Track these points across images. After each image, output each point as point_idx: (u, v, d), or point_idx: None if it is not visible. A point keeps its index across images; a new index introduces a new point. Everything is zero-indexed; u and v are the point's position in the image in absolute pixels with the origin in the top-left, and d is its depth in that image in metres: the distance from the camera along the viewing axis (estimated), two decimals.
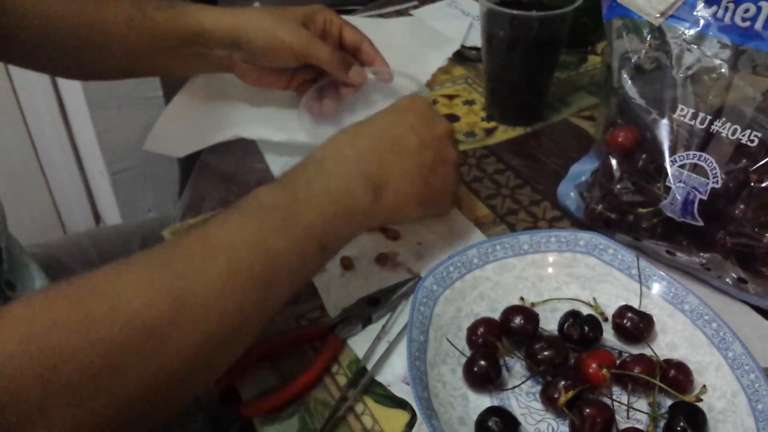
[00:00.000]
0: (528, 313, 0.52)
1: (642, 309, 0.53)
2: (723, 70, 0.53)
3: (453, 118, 0.80)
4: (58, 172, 1.59)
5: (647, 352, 0.51)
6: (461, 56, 0.89)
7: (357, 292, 0.58)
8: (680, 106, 0.55)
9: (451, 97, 0.83)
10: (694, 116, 0.54)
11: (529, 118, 0.78)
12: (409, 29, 0.95)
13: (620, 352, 0.52)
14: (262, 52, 0.68)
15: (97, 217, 1.73)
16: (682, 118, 0.55)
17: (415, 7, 1.01)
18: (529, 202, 0.68)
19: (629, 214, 0.59)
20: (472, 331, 0.52)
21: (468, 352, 0.51)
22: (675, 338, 0.52)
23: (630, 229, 0.59)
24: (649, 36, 0.57)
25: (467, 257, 0.56)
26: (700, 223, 0.54)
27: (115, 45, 0.65)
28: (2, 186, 1.52)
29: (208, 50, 0.68)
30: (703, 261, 0.56)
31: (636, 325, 0.52)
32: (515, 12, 0.69)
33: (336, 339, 0.53)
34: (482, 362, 0.49)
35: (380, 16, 1.01)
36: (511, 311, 0.52)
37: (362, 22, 0.97)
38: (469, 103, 0.82)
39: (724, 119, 0.53)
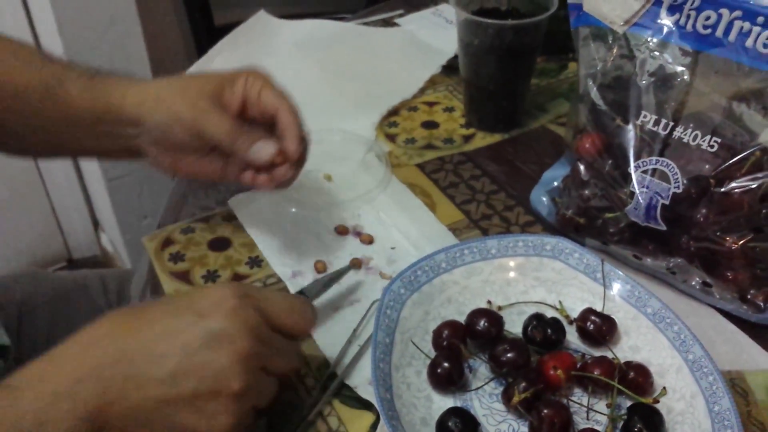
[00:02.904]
0: (492, 316, 0.53)
1: (606, 312, 0.54)
2: (685, 77, 0.54)
3: (433, 124, 0.81)
4: (57, 179, 1.61)
5: (609, 354, 0.52)
6: (444, 64, 0.91)
7: (329, 295, 0.59)
8: (643, 113, 0.56)
9: (431, 104, 0.85)
10: (657, 122, 0.55)
11: (506, 125, 0.79)
12: (399, 41, 0.96)
13: (583, 355, 0.53)
14: (158, 128, 0.56)
15: (96, 224, 1.75)
16: (645, 124, 0.55)
17: (401, 15, 1.02)
18: (503, 208, 0.69)
19: (597, 219, 0.60)
20: (437, 333, 0.53)
21: (434, 355, 0.52)
22: (638, 341, 0.53)
23: (598, 233, 0.60)
24: (614, 44, 0.58)
25: (435, 261, 0.57)
26: (664, 228, 0.55)
27: (34, 116, 0.58)
28: (2, 192, 1.54)
29: (119, 129, 0.57)
30: (669, 265, 0.56)
31: (599, 327, 0.53)
32: (489, 21, 0.70)
33: None
34: (445, 364, 0.50)
35: (366, 24, 1.02)
36: (476, 314, 0.53)
37: (352, 31, 0.99)
38: (449, 110, 0.83)
39: (685, 125, 0.54)
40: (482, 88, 0.77)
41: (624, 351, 0.53)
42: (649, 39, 0.56)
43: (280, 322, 0.46)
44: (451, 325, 0.53)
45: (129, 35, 1.35)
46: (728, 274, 0.54)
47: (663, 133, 0.55)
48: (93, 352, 0.41)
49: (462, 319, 0.54)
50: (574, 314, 0.55)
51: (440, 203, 0.69)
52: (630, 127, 0.57)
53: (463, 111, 0.82)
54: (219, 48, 0.94)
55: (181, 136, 0.56)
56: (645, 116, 0.56)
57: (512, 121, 0.80)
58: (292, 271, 0.62)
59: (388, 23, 1.02)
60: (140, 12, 1.35)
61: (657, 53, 0.55)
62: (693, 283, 0.56)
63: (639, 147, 0.56)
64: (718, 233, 0.53)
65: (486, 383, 0.51)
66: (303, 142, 0.57)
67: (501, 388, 0.50)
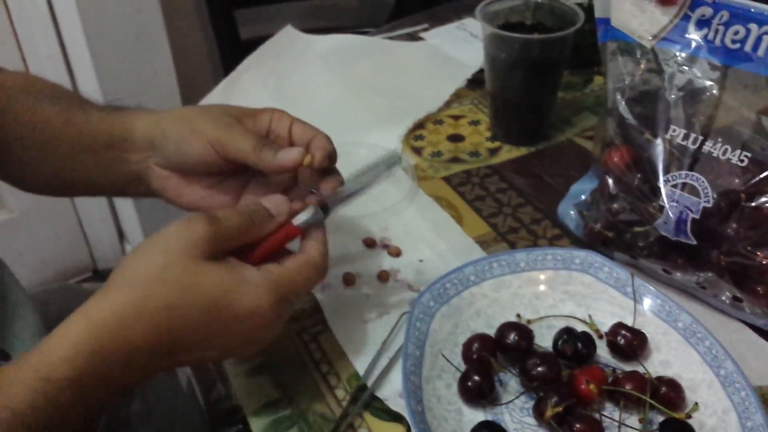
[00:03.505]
0: (522, 330, 0.53)
1: (636, 326, 0.54)
2: (714, 91, 0.54)
3: (458, 137, 0.81)
4: None
5: (640, 369, 0.52)
6: (469, 78, 0.91)
7: (358, 308, 0.60)
8: (672, 127, 0.56)
9: (456, 117, 0.85)
10: (686, 136, 0.55)
11: (532, 138, 0.80)
12: (425, 55, 0.97)
13: (614, 369, 0.53)
14: (175, 145, 0.54)
15: (122, 236, 1.77)
16: (674, 138, 0.56)
17: (425, 29, 1.03)
18: (530, 221, 0.69)
19: (626, 233, 0.60)
20: (467, 346, 0.53)
21: (464, 368, 0.52)
22: (668, 356, 0.53)
23: (627, 247, 0.60)
24: (642, 58, 0.58)
25: (464, 274, 0.57)
26: (694, 242, 0.54)
27: (49, 144, 0.57)
28: (28, 203, 1.56)
29: (126, 155, 0.57)
30: (699, 280, 0.56)
31: (629, 342, 0.53)
32: (516, 35, 0.71)
33: (291, 227, 0.51)
34: (476, 377, 0.50)
35: (391, 38, 1.03)
36: (506, 327, 0.53)
37: (378, 44, 1.00)
38: (475, 123, 0.84)
39: (715, 139, 0.54)
40: (508, 102, 0.78)
41: (655, 366, 0.53)
42: (677, 53, 0.56)
43: (300, 296, 0.50)
44: (481, 338, 0.53)
45: (156, 49, 1.38)
46: (759, 288, 0.54)
47: (692, 147, 0.55)
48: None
49: (491, 332, 0.55)
50: (604, 328, 0.55)
51: (467, 216, 0.70)
52: (659, 141, 0.57)
53: (488, 124, 0.83)
54: (247, 64, 0.95)
55: (201, 152, 0.54)
56: (674, 130, 0.56)
57: (538, 134, 0.80)
58: (321, 284, 0.63)
59: (413, 37, 1.02)
60: (167, 26, 1.37)
61: (686, 68, 0.56)
62: (723, 297, 0.56)
63: (668, 161, 0.56)
64: (748, 248, 0.53)
65: (517, 397, 0.51)
66: (332, 157, 0.56)
67: (531, 402, 0.50)
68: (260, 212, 0.49)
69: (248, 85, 0.92)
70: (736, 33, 0.53)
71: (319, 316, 0.60)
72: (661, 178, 0.56)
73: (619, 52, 0.60)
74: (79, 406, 0.41)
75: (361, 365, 0.55)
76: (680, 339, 0.53)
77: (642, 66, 0.59)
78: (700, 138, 0.54)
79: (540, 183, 0.74)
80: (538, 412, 0.49)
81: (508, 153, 0.79)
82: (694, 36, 0.55)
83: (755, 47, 0.52)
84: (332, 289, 0.62)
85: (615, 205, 0.60)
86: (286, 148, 0.54)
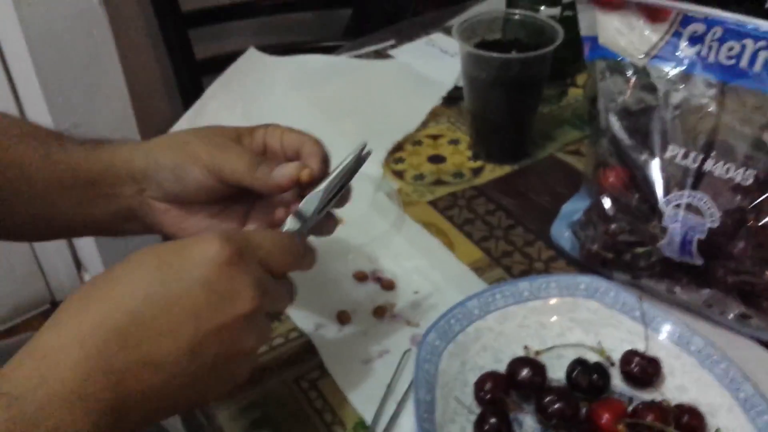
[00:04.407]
0: (535, 365, 0.51)
1: (648, 352, 0.52)
2: (711, 109, 0.54)
3: (439, 158, 0.79)
4: None
5: (657, 396, 0.50)
6: (444, 95, 0.89)
7: (357, 348, 0.57)
8: (671, 146, 0.55)
9: (435, 137, 0.83)
10: (686, 155, 0.54)
11: (514, 156, 0.78)
12: (396, 73, 0.95)
13: (630, 399, 0.51)
14: (171, 173, 0.51)
15: (79, 265, 1.70)
16: (674, 158, 0.55)
17: (393, 46, 1.01)
18: (523, 243, 0.67)
19: (626, 254, 0.59)
20: (479, 386, 0.51)
21: (476, 409, 0.50)
22: (684, 380, 0.52)
23: (628, 268, 0.59)
24: (633, 76, 0.57)
25: (467, 308, 0.55)
26: (700, 263, 0.54)
27: (28, 184, 0.53)
28: None
29: (114, 190, 0.53)
30: (705, 298, 0.55)
31: (644, 370, 0.51)
32: (495, 54, 0.69)
33: None
34: (493, 420, 0.48)
35: (358, 57, 1.01)
36: (517, 363, 0.51)
37: (347, 64, 0.97)
38: (454, 142, 0.82)
39: (716, 158, 0.53)
40: (489, 121, 0.76)
41: (671, 392, 0.51)
42: (670, 71, 0.55)
43: (277, 267, 0.45)
44: (492, 376, 0.51)
45: (109, 74, 1.32)
46: (767, 304, 0.54)
47: (693, 166, 0.54)
48: (90, 342, 0.37)
49: (499, 367, 0.53)
50: (615, 355, 0.54)
51: (458, 242, 0.68)
52: (656, 160, 0.56)
53: (468, 143, 0.81)
54: (212, 91, 0.92)
55: (199, 178, 0.51)
56: (673, 149, 0.55)
57: (520, 152, 0.78)
58: (314, 324, 0.60)
59: (381, 55, 1.00)
60: (119, 51, 1.32)
61: (681, 85, 0.55)
62: (730, 315, 0.55)
63: (668, 180, 0.55)
64: (756, 267, 0.52)
65: None
66: (326, 161, 0.54)
67: None
68: None
69: (216, 113, 0.89)
70: (731, 49, 0.52)
71: (315, 359, 0.57)
72: (661, 199, 0.55)
73: (608, 71, 0.59)
74: None
75: (367, 411, 0.52)
76: (695, 362, 0.51)
77: (633, 84, 0.57)
78: (701, 156, 0.53)
79: (528, 202, 0.72)
80: None
81: (492, 172, 0.77)
82: (688, 53, 0.54)
83: (751, 63, 0.51)
84: (327, 329, 0.59)
85: (613, 226, 0.59)
86: (281, 165, 0.50)
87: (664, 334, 0.53)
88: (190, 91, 1.40)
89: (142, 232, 0.56)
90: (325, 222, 0.53)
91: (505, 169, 0.77)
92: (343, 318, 0.60)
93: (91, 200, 0.54)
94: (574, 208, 0.66)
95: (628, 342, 0.54)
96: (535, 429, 0.50)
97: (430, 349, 0.52)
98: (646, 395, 0.51)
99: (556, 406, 0.49)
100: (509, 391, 0.51)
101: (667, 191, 0.55)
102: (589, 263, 0.62)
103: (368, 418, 0.52)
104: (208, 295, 0.40)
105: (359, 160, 0.52)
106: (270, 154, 0.54)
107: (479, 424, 0.48)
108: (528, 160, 0.79)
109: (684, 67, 0.55)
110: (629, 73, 0.58)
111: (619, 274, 0.60)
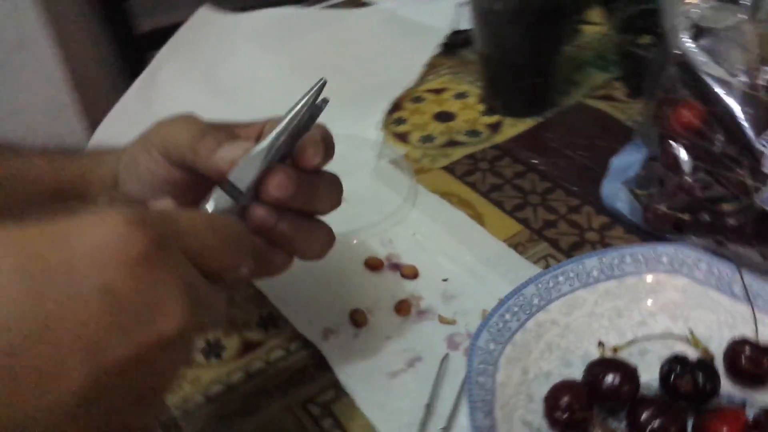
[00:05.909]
0: (623, 369, 0.39)
1: (760, 339, 0.41)
2: None
3: (447, 116, 0.66)
4: None
5: None
6: (442, 43, 0.76)
7: (379, 356, 0.44)
8: (764, 68, 0.43)
9: (437, 91, 0.70)
10: None
11: (538, 106, 0.66)
12: (380, 22, 0.82)
13: (743, 403, 0.40)
14: (126, 170, 0.43)
15: None
16: None
17: None
18: (567, 210, 0.55)
19: (707, 212, 0.47)
20: (552, 403, 0.38)
21: (547, 430, 0.38)
22: None
23: (710, 231, 0.47)
24: None
25: (525, 297, 0.42)
26: None
27: None
28: None
29: (86, 201, 0.44)
30: None
31: (758, 363, 0.39)
32: None
33: None
34: None
35: (332, 7, 0.87)
36: (598, 368, 0.39)
37: (321, 15, 0.84)
38: (461, 96, 0.69)
39: None
40: (507, 64, 0.63)
41: None
42: None
43: (213, 263, 0.31)
44: (568, 388, 0.39)
45: (40, 56, 1.17)
46: None
47: None
48: None
49: (570, 372, 0.41)
50: (713, 346, 0.42)
51: (487, 213, 0.55)
52: (746, 90, 0.44)
53: (479, 95, 0.68)
54: (161, 59, 0.77)
55: (150, 166, 0.41)
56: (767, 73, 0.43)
57: (544, 100, 0.66)
58: (323, 329, 0.47)
59: (357, 3, 0.86)
60: (52, 29, 1.16)
61: None
62: None
63: (763, 115, 0.43)
64: None
65: None
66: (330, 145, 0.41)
67: None
68: None
69: (169, 83, 0.74)
70: None
71: (327, 376, 0.44)
72: (754, 138, 0.43)
73: None
74: None
75: None
76: None
77: None
78: None
79: (563, 160, 0.60)
80: None
81: (513, 127, 0.64)
82: None
83: None
84: (338, 335, 0.46)
85: (688, 178, 0.47)
86: (232, 141, 0.38)
87: None
88: (133, 66, 1.26)
89: None
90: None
91: (527, 123, 0.65)
92: (357, 319, 0.47)
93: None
94: (628, 161, 0.54)
95: (728, 327, 0.42)
96: None
97: (484, 357, 0.39)
98: (762, 397, 0.39)
99: (657, 423, 0.36)
100: (592, 406, 0.38)
101: (763, 128, 0.43)
102: (656, 228, 0.50)
103: None
104: (111, 310, 0.25)
105: (315, 107, 0.38)
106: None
107: None
108: (552, 110, 0.66)
109: None
110: None
111: (696, 239, 0.48)
